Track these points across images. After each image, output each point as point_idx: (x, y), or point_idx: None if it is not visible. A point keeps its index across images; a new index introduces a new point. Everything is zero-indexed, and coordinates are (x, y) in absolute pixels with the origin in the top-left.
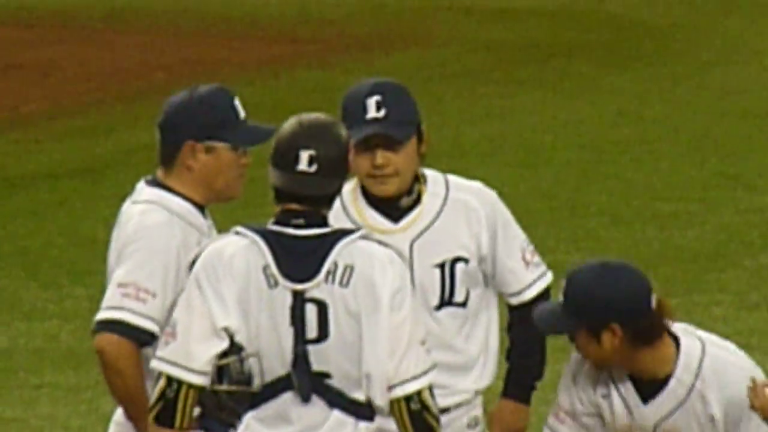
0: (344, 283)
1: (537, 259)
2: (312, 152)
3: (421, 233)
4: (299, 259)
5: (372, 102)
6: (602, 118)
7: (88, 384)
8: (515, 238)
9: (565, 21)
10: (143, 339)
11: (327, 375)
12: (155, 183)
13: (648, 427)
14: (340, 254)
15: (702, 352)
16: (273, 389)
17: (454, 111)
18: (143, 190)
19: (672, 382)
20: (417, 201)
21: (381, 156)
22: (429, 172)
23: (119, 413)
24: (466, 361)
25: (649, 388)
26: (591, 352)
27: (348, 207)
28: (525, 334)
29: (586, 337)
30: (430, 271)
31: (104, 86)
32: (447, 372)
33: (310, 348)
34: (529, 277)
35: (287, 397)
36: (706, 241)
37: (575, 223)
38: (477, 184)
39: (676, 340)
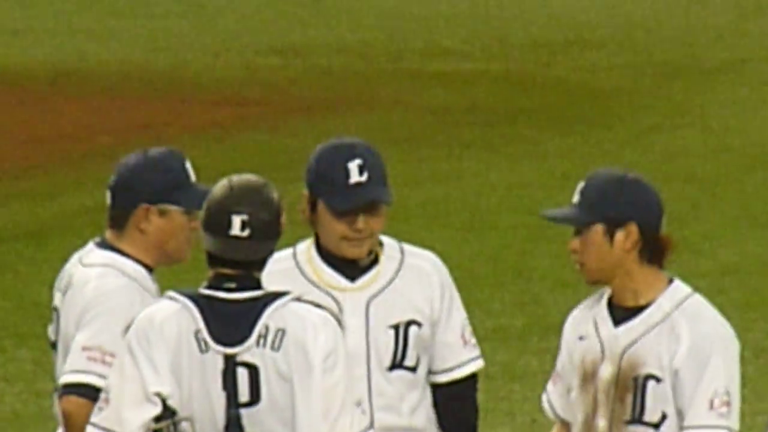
0: (275, 347)
1: (474, 341)
2: (244, 217)
3: (378, 293)
4: (230, 323)
5: (354, 166)
6: (547, 182)
7: None
8: (459, 314)
9: (510, 85)
10: None
11: None
12: (106, 245)
13: (616, 355)
14: (271, 317)
15: (690, 294)
16: None
17: (398, 174)
18: (93, 252)
19: (652, 307)
20: (374, 262)
21: (363, 220)
22: (383, 237)
23: None
24: (417, 426)
25: (625, 313)
26: (598, 256)
27: (303, 266)
28: (458, 412)
29: (601, 235)
30: (385, 332)
31: (49, 150)
32: None
33: (243, 412)
34: (466, 355)
35: None
36: None
37: (520, 286)
38: (431, 253)
39: (670, 280)
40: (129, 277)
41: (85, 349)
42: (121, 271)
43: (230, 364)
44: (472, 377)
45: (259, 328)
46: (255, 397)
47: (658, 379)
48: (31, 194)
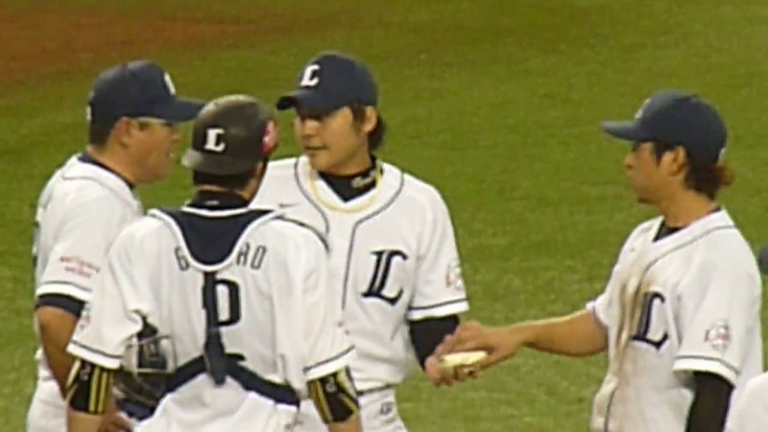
0: (256, 265)
1: (460, 283)
2: (219, 131)
3: (367, 218)
4: (211, 240)
5: (309, 70)
6: (529, 101)
7: (12, 365)
8: (449, 254)
9: (492, 3)
10: None
11: (241, 357)
12: (88, 159)
13: (641, 270)
14: (251, 235)
15: (725, 226)
16: (188, 372)
17: (380, 93)
18: (75, 166)
19: (684, 230)
20: (371, 186)
21: (308, 126)
22: (387, 166)
23: (43, 391)
24: (388, 356)
25: (666, 233)
26: (645, 173)
27: (300, 177)
28: (431, 352)
29: (649, 154)
30: (367, 257)
31: (29, 66)
32: (365, 359)
33: (223, 330)
34: (446, 296)
35: (202, 380)
36: (632, 225)
37: (502, 206)
38: (432, 189)
39: (717, 209)
40: (109, 189)
41: (63, 259)
42: (102, 183)
43: (210, 281)
44: (451, 319)
45: (239, 245)
46: (235, 315)
47: (662, 299)
48: (11, 111)
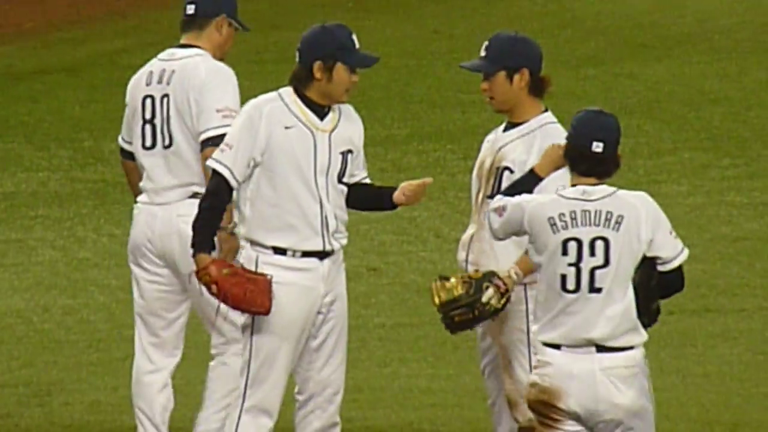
0: None
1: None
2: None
3: (333, 129)
4: None
5: (355, 38)
6: (422, 35)
7: (68, 216)
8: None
9: None
10: None
11: None
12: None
13: (494, 150)
14: None
15: (553, 121)
16: None
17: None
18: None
19: (525, 125)
20: (330, 109)
21: (355, 77)
22: None
23: None
24: (345, 219)
25: (511, 126)
26: (501, 92)
27: (291, 106)
28: (363, 197)
29: (503, 78)
30: (337, 156)
31: (36, 35)
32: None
33: None
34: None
35: None
36: (492, 120)
37: (404, 107)
38: (350, 107)
39: (545, 110)
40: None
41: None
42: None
43: None
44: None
45: None
46: None
47: (511, 171)
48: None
